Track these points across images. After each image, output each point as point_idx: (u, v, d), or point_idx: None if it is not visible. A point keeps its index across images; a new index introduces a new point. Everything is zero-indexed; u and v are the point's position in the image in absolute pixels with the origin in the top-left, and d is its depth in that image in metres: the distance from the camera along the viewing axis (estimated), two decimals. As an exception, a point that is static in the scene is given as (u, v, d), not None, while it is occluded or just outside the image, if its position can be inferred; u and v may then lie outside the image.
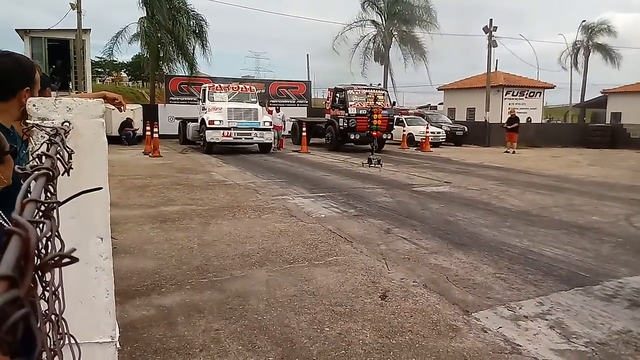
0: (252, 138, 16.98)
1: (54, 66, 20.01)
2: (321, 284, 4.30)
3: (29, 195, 0.53)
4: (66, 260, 0.39)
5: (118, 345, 1.83)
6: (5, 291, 0.29)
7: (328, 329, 3.43)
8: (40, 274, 0.41)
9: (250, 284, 4.29)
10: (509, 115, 20.70)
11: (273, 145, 18.55)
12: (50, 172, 0.61)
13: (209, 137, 16.39)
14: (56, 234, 0.64)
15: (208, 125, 16.36)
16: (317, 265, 4.84)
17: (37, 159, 0.83)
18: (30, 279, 0.35)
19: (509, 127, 20.12)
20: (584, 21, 36.21)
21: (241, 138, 16.76)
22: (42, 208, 0.61)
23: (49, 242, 0.57)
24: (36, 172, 0.57)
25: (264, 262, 4.90)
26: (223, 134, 16.38)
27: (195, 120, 18.67)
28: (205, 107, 17.30)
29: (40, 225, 0.45)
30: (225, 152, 17.05)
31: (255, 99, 18.16)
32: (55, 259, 0.39)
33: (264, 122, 17.03)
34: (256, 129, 16.82)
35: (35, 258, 0.39)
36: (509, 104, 29.01)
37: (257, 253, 5.18)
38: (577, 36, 36.52)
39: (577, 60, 36.93)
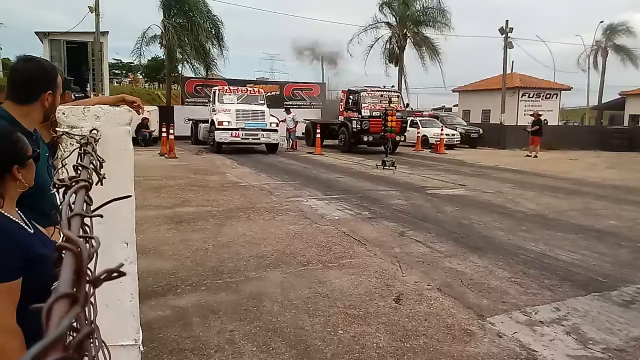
0: (259, 138, 17.55)
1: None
2: (335, 287, 4.32)
3: (71, 209, 0.56)
4: (115, 274, 0.42)
5: (142, 348, 1.86)
6: (69, 309, 0.32)
7: (342, 332, 3.45)
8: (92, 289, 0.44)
9: (264, 285, 4.33)
10: (532, 118, 19.80)
11: (287, 146, 19.09)
12: (89, 183, 0.64)
13: (217, 137, 17.03)
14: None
15: (217, 126, 17.01)
16: (331, 268, 4.85)
17: (72, 169, 0.87)
18: (84, 295, 0.37)
19: (530, 130, 19.34)
20: (601, 21, 35.64)
21: (249, 138, 17.34)
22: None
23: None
24: (76, 186, 0.60)
25: (278, 263, 4.94)
26: (231, 134, 17.01)
27: (206, 121, 19.22)
28: (215, 109, 17.91)
29: (90, 241, 0.48)
30: (239, 152, 17.28)
31: (263, 101, 18.74)
32: (106, 273, 0.42)
33: (271, 123, 17.58)
34: (263, 130, 17.41)
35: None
36: (525, 105, 28.69)
37: (272, 255, 5.22)
38: (596, 37, 35.94)
39: (596, 61, 36.30)
